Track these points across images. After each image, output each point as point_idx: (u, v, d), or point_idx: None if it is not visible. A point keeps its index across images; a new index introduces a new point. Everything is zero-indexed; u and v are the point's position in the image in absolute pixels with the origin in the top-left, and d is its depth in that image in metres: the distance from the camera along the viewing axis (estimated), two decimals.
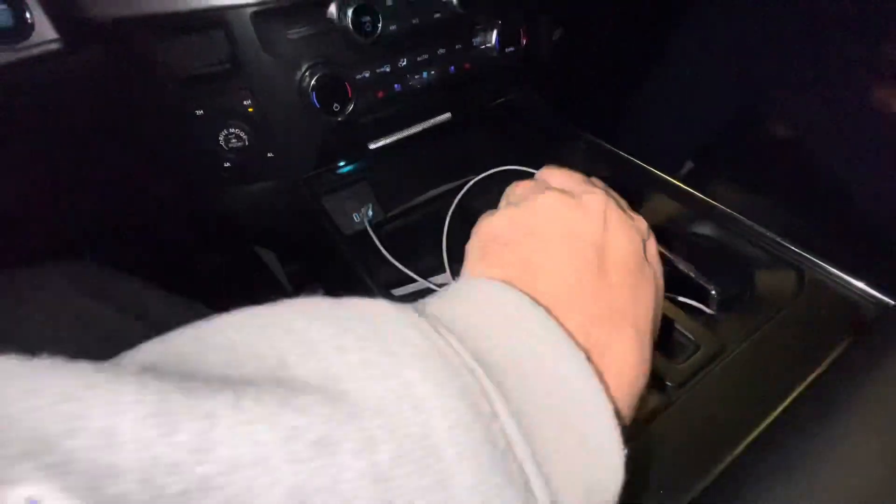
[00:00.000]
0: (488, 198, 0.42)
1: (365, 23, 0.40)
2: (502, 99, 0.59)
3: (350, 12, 0.39)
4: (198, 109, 0.40)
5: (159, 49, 0.37)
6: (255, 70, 0.40)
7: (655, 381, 0.30)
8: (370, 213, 0.50)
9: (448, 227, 0.46)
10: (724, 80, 0.78)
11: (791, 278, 0.36)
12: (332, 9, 0.39)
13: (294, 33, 0.40)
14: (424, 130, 0.53)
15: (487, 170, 0.50)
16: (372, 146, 0.50)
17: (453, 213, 0.47)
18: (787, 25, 0.69)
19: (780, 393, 0.28)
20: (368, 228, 0.46)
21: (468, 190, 0.49)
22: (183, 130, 0.42)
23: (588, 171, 0.26)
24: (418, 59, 0.46)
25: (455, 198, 0.48)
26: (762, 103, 0.76)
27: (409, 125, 0.52)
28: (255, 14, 0.37)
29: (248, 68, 0.39)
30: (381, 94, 0.45)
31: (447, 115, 0.54)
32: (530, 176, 0.25)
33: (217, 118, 0.41)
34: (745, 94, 0.77)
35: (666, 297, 0.28)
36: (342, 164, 0.51)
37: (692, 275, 0.36)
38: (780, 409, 0.27)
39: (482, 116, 0.58)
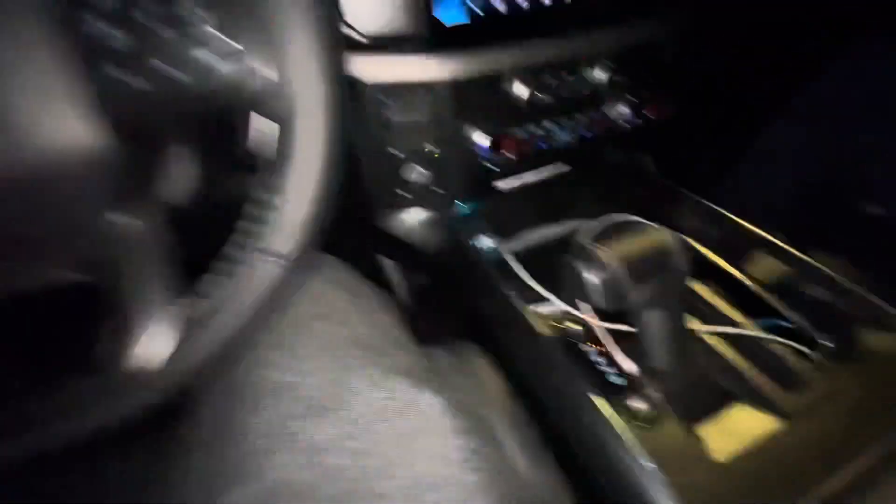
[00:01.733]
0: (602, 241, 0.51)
1: (534, 95, 0.52)
2: (617, 156, 0.69)
3: (526, 90, 0.51)
4: (398, 151, 0.54)
5: (385, 103, 0.50)
6: (446, 125, 0.52)
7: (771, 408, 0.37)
8: (494, 243, 0.60)
9: (558, 262, 0.55)
10: (828, 148, 0.83)
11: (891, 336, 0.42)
12: (514, 86, 0.51)
13: (478, 99, 0.52)
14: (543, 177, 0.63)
15: (594, 216, 0.59)
16: (500, 185, 0.61)
17: (563, 250, 0.56)
18: None
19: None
20: (506, 256, 0.57)
21: (579, 232, 0.58)
22: (381, 164, 0.55)
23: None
24: (562, 123, 0.57)
25: (566, 236, 0.58)
26: (860, 172, 0.80)
27: (534, 170, 0.63)
28: (455, 85, 0.50)
29: (442, 124, 0.52)
30: (528, 149, 0.56)
31: (567, 168, 0.64)
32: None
33: (409, 159, 0.54)
34: (844, 163, 0.81)
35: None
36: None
37: (797, 325, 0.43)
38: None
39: (595, 168, 0.68)
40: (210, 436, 0.32)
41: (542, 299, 0.53)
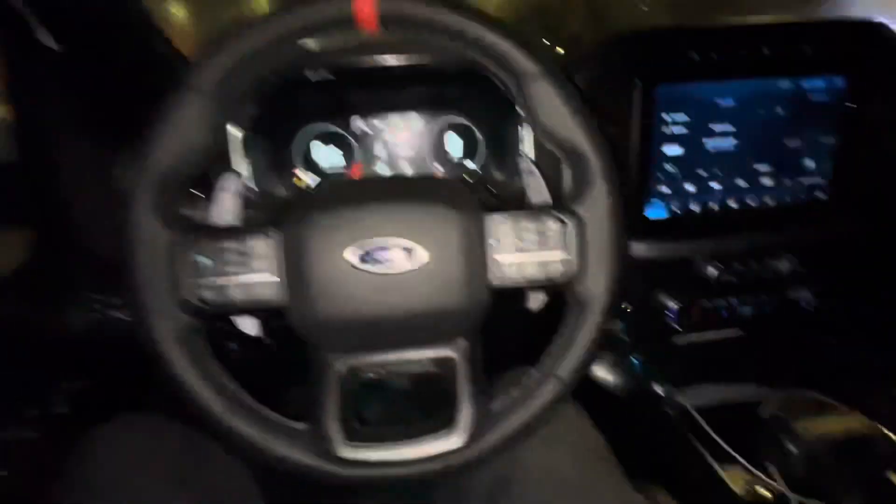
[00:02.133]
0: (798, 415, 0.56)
1: (721, 276, 0.63)
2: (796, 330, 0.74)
3: (716, 272, 0.63)
4: None
5: None
6: (642, 290, 0.66)
7: None
8: (675, 394, 0.68)
9: (745, 425, 0.60)
10: None
11: None
12: (706, 268, 0.64)
13: (674, 275, 0.65)
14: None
15: (776, 385, 0.64)
16: (679, 340, 0.70)
17: (746, 413, 0.61)
18: None
19: None
20: (690, 409, 0.64)
21: (769, 401, 0.63)
22: None
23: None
24: (747, 300, 0.67)
25: (751, 401, 0.63)
26: None
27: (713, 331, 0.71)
28: (656, 263, 0.65)
29: (639, 289, 0.66)
30: (713, 317, 0.67)
31: (743, 333, 0.72)
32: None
33: None
34: None
35: None
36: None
37: None
38: None
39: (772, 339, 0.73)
40: None
41: (728, 458, 0.58)
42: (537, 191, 0.43)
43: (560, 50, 0.98)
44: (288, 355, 0.49)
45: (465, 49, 0.37)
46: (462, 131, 0.73)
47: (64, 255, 0.58)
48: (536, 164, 0.46)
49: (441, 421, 0.39)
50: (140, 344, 0.58)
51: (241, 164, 0.58)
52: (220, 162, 0.55)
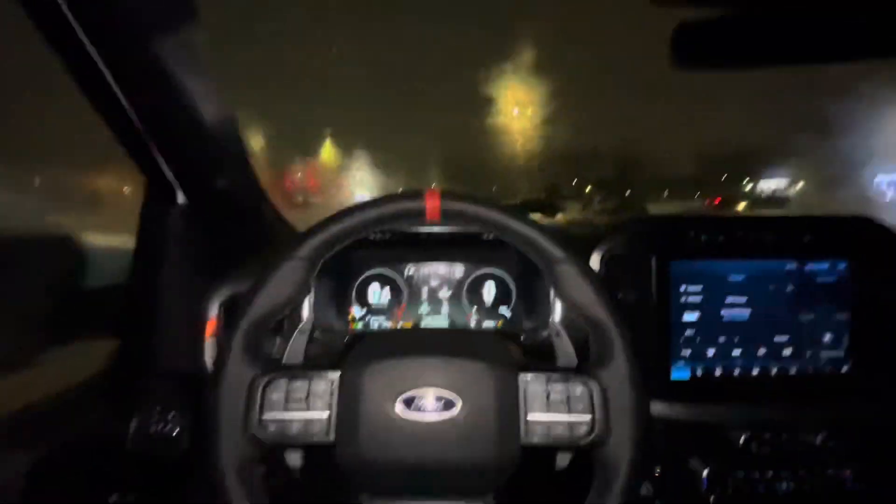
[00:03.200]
0: None
1: (748, 444, 0.63)
2: None
3: (742, 438, 0.63)
4: None
5: None
6: (667, 454, 0.66)
7: None
8: None
9: None
10: None
11: None
12: (737, 437, 0.65)
13: (699, 438, 0.66)
14: None
15: None
16: None
17: None
18: None
19: None
20: None
21: None
22: None
23: None
24: (782, 474, 0.65)
25: None
26: None
27: None
28: (680, 424, 0.66)
29: (664, 453, 0.66)
30: (747, 490, 0.65)
31: None
32: None
33: None
34: None
35: None
36: None
37: None
38: None
39: None
40: None
41: None
42: (565, 352, 0.49)
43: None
44: (325, 492, 0.52)
45: (507, 237, 0.46)
46: (497, 281, 0.82)
47: (138, 369, 0.66)
48: (564, 327, 0.53)
49: None
50: (187, 464, 0.62)
51: (306, 304, 0.68)
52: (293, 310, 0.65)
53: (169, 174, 0.64)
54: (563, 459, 0.49)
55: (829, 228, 0.69)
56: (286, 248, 0.45)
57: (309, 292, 0.47)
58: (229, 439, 0.41)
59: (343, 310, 0.80)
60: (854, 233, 0.68)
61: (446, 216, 0.46)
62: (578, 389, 0.42)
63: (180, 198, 0.66)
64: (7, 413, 0.50)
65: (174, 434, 0.62)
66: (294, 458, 0.49)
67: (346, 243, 0.47)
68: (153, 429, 0.62)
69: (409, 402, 0.41)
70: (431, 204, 0.45)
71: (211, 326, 0.63)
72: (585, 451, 0.43)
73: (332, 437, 0.41)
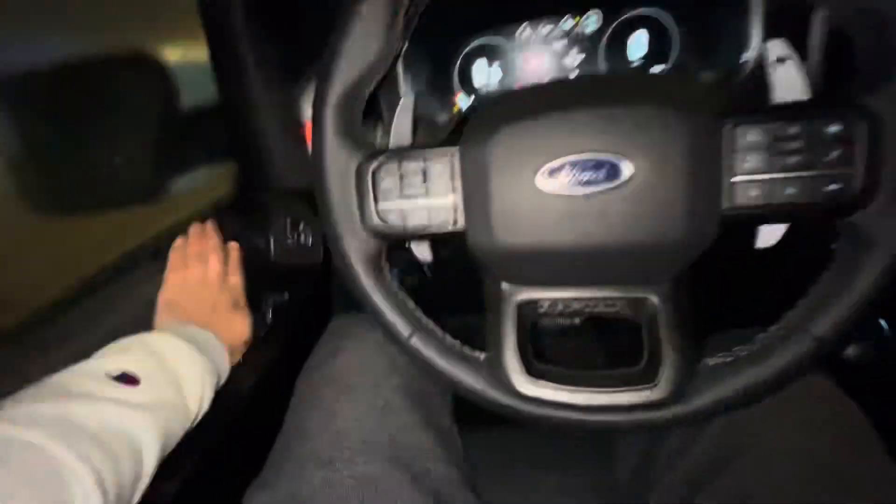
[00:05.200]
0: None
1: None
2: None
3: None
4: None
5: None
6: None
7: None
8: None
9: None
10: None
11: None
12: None
13: None
14: None
15: None
16: None
17: None
18: None
19: None
20: None
21: None
22: None
23: None
24: None
25: None
26: None
27: None
28: None
29: None
30: None
31: None
32: None
33: None
34: None
35: None
36: None
37: None
38: None
39: None
40: None
41: None
42: (791, 86, 0.31)
43: None
44: (462, 283, 0.48)
45: None
46: (651, 28, 0.59)
47: (262, 187, 0.65)
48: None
49: (637, 372, 0.34)
50: (327, 265, 0.64)
51: (401, 80, 0.57)
52: (389, 88, 0.54)
53: None
54: (769, 235, 0.36)
55: None
56: None
57: (402, 44, 0.35)
58: (350, 235, 0.36)
59: (445, 100, 0.67)
60: None
61: None
62: (829, 130, 0.27)
63: None
64: (154, 233, 0.53)
65: (310, 244, 0.63)
66: (423, 252, 0.44)
67: None
68: (289, 242, 0.63)
69: (555, 173, 0.30)
70: None
71: (309, 130, 0.57)
72: (823, 220, 0.29)
73: (460, 224, 0.34)
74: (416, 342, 0.37)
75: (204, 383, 0.39)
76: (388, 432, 0.39)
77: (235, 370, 0.46)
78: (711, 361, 0.33)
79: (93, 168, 0.53)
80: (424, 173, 0.34)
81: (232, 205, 0.63)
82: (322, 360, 0.45)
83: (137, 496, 0.32)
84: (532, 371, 0.35)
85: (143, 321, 0.44)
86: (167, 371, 0.37)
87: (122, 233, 0.51)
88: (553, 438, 0.53)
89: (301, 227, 0.63)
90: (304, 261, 0.63)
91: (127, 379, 0.34)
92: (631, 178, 0.29)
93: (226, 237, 0.56)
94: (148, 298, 0.45)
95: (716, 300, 0.39)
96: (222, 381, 0.43)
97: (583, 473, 0.49)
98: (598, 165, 0.29)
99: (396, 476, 0.36)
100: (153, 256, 0.50)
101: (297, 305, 0.60)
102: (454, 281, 0.59)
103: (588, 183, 0.30)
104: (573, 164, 0.30)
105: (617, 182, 0.29)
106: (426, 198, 0.34)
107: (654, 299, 0.33)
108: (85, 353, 0.36)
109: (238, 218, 0.61)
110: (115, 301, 0.42)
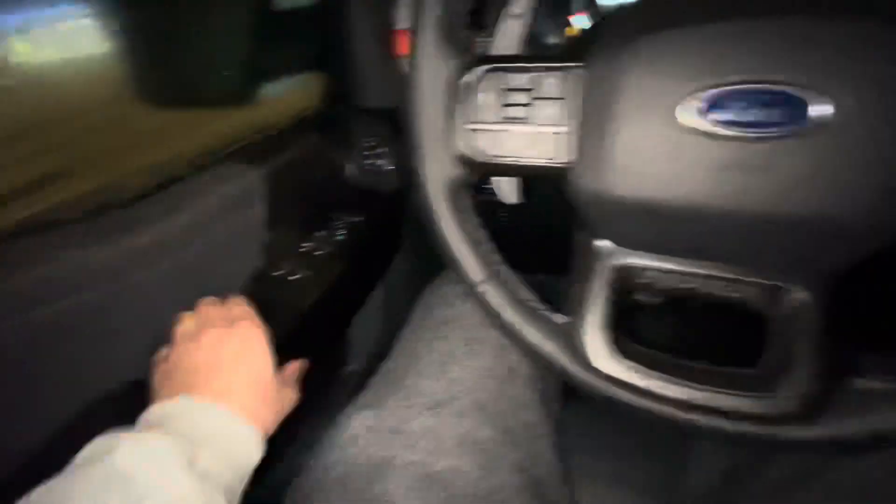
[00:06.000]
0: None
1: None
2: None
3: None
4: None
5: None
6: None
7: None
8: None
9: None
10: None
11: None
12: None
13: None
14: None
15: None
16: None
17: None
18: None
19: None
20: None
21: None
22: None
23: None
24: None
25: None
26: None
27: None
28: None
29: None
30: None
31: None
32: None
33: None
34: None
35: None
36: None
37: None
38: None
39: None
40: None
41: None
42: None
43: None
44: (543, 235, 0.42)
45: None
46: None
47: (348, 104, 0.62)
48: None
49: (754, 375, 0.28)
50: (402, 192, 0.60)
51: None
52: None
53: None
54: None
55: None
56: None
57: None
58: (434, 159, 0.31)
59: (559, 20, 0.57)
60: None
61: None
62: None
63: None
64: (237, 138, 0.52)
65: (388, 168, 0.60)
66: (508, 191, 0.39)
67: None
68: (367, 164, 0.60)
69: (711, 107, 0.23)
70: None
71: (403, 41, 0.51)
72: None
73: (567, 159, 0.28)
74: (487, 289, 0.33)
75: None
76: (506, 403, 0.36)
77: (300, 283, 0.45)
78: (863, 383, 0.26)
79: (185, 66, 0.52)
80: (533, 91, 0.27)
81: (314, 119, 0.61)
82: (447, 300, 0.42)
83: None
84: (618, 348, 0.30)
85: (218, 218, 0.43)
86: None
87: (206, 132, 0.51)
88: (611, 422, 0.48)
89: (381, 149, 0.59)
90: (380, 185, 0.60)
91: None
92: (824, 124, 0.21)
93: (304, 152, 0.54)
94: (223, 196, 0.44)
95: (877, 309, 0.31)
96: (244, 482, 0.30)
97: (643, 467, 0.44)
98: (774, 101, 0.22)
99: (503, 453, 0.33)
100: (231, 157, 0.49)
101: (366, 229, 0.58)
102: (535, 231, 0.53)
103: (756, 125, 0.22)
104: (739, 96, 0.22)
105: (801, 127, 0.21)
106: (529, 123, 0.28)
107: (803, 294, 0.26)
108: (161, 242, 0.37)
109: (318, 134, 0.59)
110: (192, 196, 0.41)
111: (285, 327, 0.39)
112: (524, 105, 0.28)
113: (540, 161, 0.29)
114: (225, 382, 0.30)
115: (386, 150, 0.58)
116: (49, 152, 0.40)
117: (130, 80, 0.45)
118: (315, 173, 0.56)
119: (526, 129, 0.28)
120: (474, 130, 0.29)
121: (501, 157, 0.29)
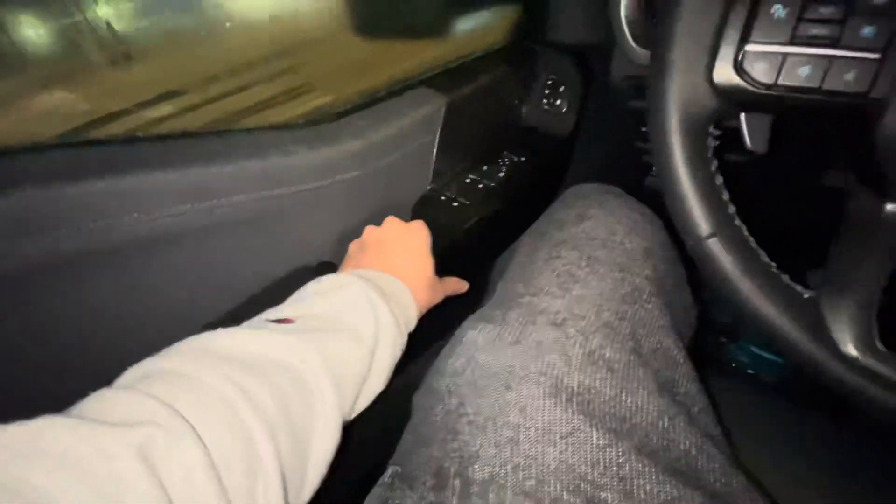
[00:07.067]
0: None
1: None
2: None
3: None
4: None
5: None
6: None
7: None
8: None
9: None
10: None
11: None
12: None
13: None
14: None
15: None
16: None
17: None
18: None
19: None
20: None
21: None
22: None
23: None
24: None
25: None
26: None
27: None
28: None
29: None
30: None
31: None
32: None
33: None
34: None
35: None
36: None
37: None
38: None
39: None
40: None
41: None
42: None
43: None
44: (787, 192, 0.35)
45: None
46: None
47: (538, 39, 0.61)
48: None
49: None
50: (573, 136, 0.59)
51: None
52: None
53: None
54: None
55: None
56: None
57: None
58: (685, 85, 0.26)
59: None
60: None
61: None
62: None
63: None
64: (432, 67, 0.56)
65: (564, 110, 0.58)
66: (761, 135, 0.30)
67: None
68: (544, 103, 0.59)
69: None
70: None
71: None
72: None
73: (880, 92, 0.22)
74: (715, 245, 0.28)
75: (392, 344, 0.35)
76: (632, 323, 0.33)
77: (460, 211, 0.49)
78: None
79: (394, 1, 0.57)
80: (851, 5, 0.22)
81: (500, 53, 0.62)
82: (562, 221, 0.41)
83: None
84: (881, 336, 0.25)
85: (409, 137, 0.49)
86: (331, 314, 0.32)
87: (403, 61, 0.56)
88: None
89: (561, 89, 0.57)
90: (551, 127, 0.59)
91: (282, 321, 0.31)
92: None
93: (484, 86, 0.55)
94: (413, 118, 0.49)
95: None
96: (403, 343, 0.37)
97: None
98: None
99: (636, 374, 0.31)
100: (422, 83, 0.53)
101: (527, 170, 0.59)
102: (779, 187, 0.42)
103: None
104: None
105: None
106: (835, 46, 0.23)
107: None
108: (364, 151, 0.44)
109: (502, 68, 0.60)
110: (388, 118, 0.48)
111: (439, 244, 0.44)
112: (837, 22, 0.22)
113: (845, 94, 0.23)
114: (401, 261, 0.39)
115: (567, 90, 0.56)
116: (293, 72, 0.50)
117: (348, 15, 0.52)
118: (491, 107, 0.58)
119: (828, 51, 0.23)
120: (753, 53, 0.24)
121: (782, 84, 0.24)
